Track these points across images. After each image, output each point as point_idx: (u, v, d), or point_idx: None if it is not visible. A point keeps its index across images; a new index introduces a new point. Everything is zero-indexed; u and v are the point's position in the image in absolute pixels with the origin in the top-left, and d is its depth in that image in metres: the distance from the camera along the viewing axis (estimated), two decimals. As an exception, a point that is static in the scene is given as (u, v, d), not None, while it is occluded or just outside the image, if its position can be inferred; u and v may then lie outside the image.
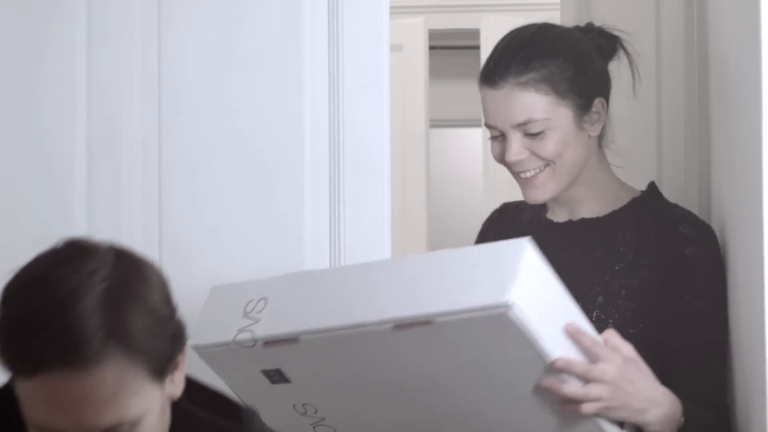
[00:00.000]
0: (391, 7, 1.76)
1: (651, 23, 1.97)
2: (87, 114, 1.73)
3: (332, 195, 1.73)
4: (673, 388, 1.50)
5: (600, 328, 1.52)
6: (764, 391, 1.33)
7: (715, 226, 1.67)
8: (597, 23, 1.74)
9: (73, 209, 1.72)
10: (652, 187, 1.73)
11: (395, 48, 2.83)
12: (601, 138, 1.71)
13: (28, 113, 1.72)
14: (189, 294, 1.73)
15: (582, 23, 1.82)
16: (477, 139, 4.19)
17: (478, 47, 3.88)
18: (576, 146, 1.65)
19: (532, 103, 1.58)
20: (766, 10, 1.31)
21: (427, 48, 4.02)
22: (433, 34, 4.13)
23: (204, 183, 1.73)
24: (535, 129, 1.58)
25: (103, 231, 1.72)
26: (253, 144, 1.73)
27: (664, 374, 1.54)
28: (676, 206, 1.70)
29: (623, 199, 1.71)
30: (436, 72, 4.15)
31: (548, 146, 1.59)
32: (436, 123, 4.33)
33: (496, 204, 2.81)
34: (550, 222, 1.74)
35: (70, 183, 1.73)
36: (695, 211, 1.76)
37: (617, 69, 1.72)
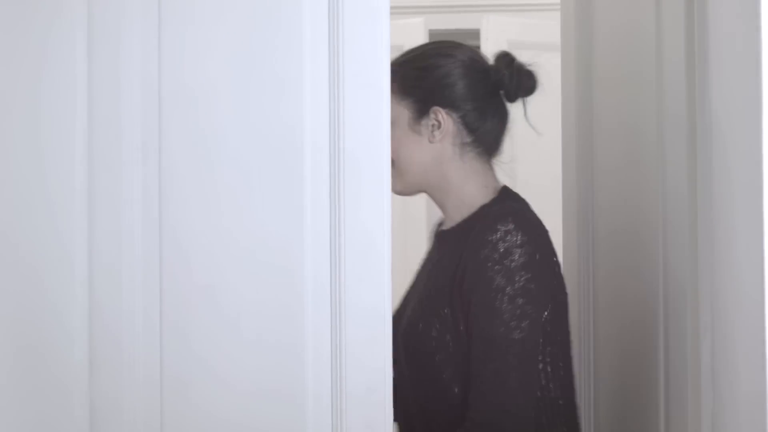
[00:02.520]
0: (391, 7, 1.76)
1: (651, 23, 1.96)
2: (87, 114, 1.73)
3: (332, 195, 1.72)
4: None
5: (426, 336, 1.78)
6: (764, 390, 1.33)
7: (715, 226, 1.67)
8: (591, 28, 1.89)
9: (73, 209, 1.72)
10: (502, 190, 1.91)
11: (395, 48, 2.83)
12: (462, 149, 1.89)
13: (28, 113, 1.72)
14: (190, 291, 1.73)
15: (582, 23, 1.91)
16: (477, 139, 4.18)
17: (478, 47, 3.88)
18: (412, 148, 1.87)
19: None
20: (766, 9, 1.31)
21: (427, 48, 4.02)
22: (433, 34, 4.12)
23: (203, 183, 1.73)
24: None
25: (103, 231, 1.73)
26: (253, 144, 1.73)
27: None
28: (500, 209, 1.82)
29: (476, 207, 1.87)
30: (436, 72, 4.15)
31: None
32: (436, 123, 4.32)
33: (495, 204, 2.80)
34: (438, 232, 1.96)
35: (70, 183, 1.72)
36: (696, 213, 1.76)
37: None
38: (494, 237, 1.72)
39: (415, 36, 3.97)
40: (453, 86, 1.91)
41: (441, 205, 1.94)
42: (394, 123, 1.79)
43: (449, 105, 1.90)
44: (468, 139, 1.90)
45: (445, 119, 1.89)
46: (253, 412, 1.72)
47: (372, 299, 1.70)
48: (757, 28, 1.33)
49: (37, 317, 1.69)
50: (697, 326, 1.76)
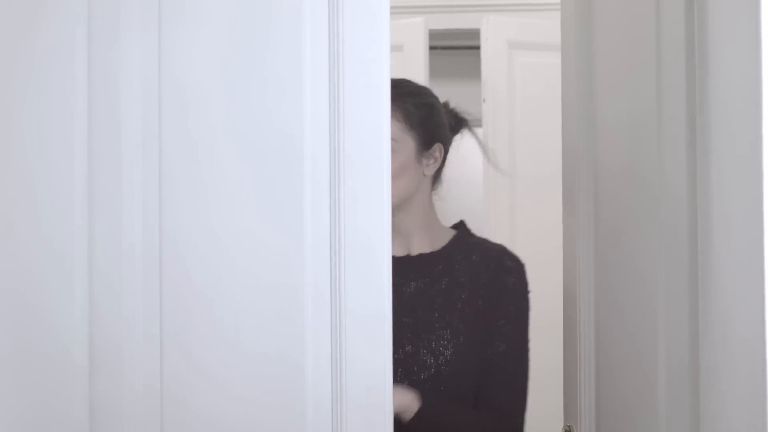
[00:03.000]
0: (391, 7, 1.76)
1: (651, 22, 1.96)
2: (87, 114, 1.73)
3: (332, 195, 1.72)
4: (482, 392, 2.05)
5: (456, 342, 2.01)
6: (765, 390, 1.33)
7: (715, 225, 1.68)
8: (591, 28, 1.95)
9: (73, 209, 1.72)
10: (463, 224, 2.19)
11: (395, 48, 2.83)
12: (433, 183, 2.14)
13: (28, 113, 1.72)
14: (189, 294, 1.73)
15: (582, 23, 1.98)
16: (477, 139, 4.19)
17: (478, 47, 3.88)
18: (411, 175, 2.06)
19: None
20: (766, 9, 1.31)
21: (427, 48, 4.02)
22: (433, 34, 4.12)
23: (204, 183, 1.73)
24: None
25: (103, 231, 1.73)
26: (252, 144, 1.73)
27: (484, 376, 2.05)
28: (487, 240, 2.16)
29: (446, 237, 2.14)
30: (436, 72, 4.15)
31: (392, 164, 1.99)
32: (436, 123, 4.32)
33: (496, 205, 2.93)
34: (410, 257, 2.11)
35: (70, 183, 1.72)
36: (696, 211, 1.76)
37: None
38: (516, 266, 2.08)
39: (415, 36, 3.98)
40: (446, 127, 2.14)
41: (409, 230, 2.14)
42: (398, 150, 1.99)
43: (442, 141, 2.12)
44: (437, 176, 2.15)
45: (440, 156, 2.10)
46: (252, 416, 1.72)
47: (372, 302, 1.70)
48: (757, 28, 1.33)
49: (36, 320, 1.69)
50: (696, 326, 1.76)
